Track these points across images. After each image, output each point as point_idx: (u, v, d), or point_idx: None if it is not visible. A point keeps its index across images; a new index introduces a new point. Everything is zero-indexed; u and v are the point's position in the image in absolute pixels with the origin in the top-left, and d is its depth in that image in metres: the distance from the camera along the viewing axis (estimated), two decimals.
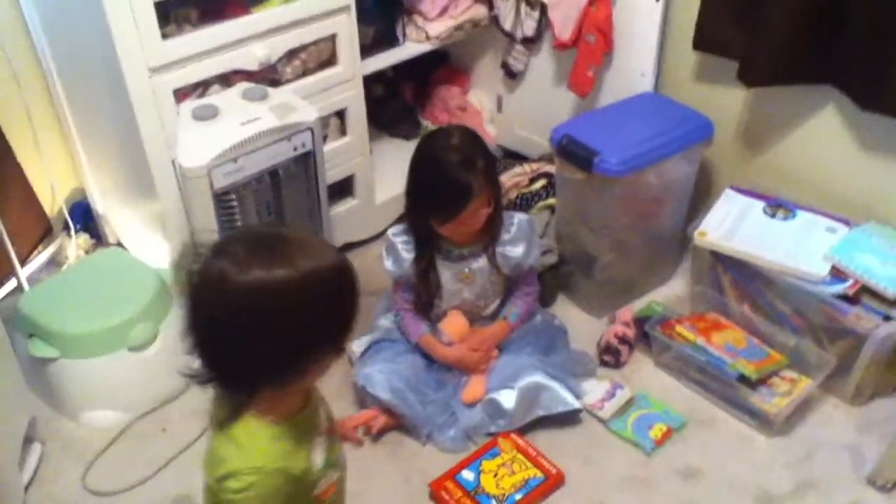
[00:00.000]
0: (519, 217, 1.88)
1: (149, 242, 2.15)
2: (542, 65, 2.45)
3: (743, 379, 1.83)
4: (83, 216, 2.40)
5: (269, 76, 2.01)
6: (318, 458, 1.15)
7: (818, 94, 1.93)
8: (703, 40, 2.03)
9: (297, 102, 1.91)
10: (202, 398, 1.94)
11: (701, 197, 2.20)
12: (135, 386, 1.93)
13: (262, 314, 0.98)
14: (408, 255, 1.84)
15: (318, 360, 1.06)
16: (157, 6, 1.73)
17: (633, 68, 2.20)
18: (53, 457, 1.86)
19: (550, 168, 2.32)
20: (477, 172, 1.71)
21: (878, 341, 1.77)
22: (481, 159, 1.73)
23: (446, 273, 1.86)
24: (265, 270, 0.97)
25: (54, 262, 2.38)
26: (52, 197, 2.35)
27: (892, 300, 1.79)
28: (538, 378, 1.81)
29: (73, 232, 2.36)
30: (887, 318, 1.80)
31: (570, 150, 1.96)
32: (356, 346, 1.96)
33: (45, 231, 2.38)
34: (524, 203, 2.29)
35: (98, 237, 2.41)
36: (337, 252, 1.07)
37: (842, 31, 1.77)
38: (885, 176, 1.94)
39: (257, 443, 1.06)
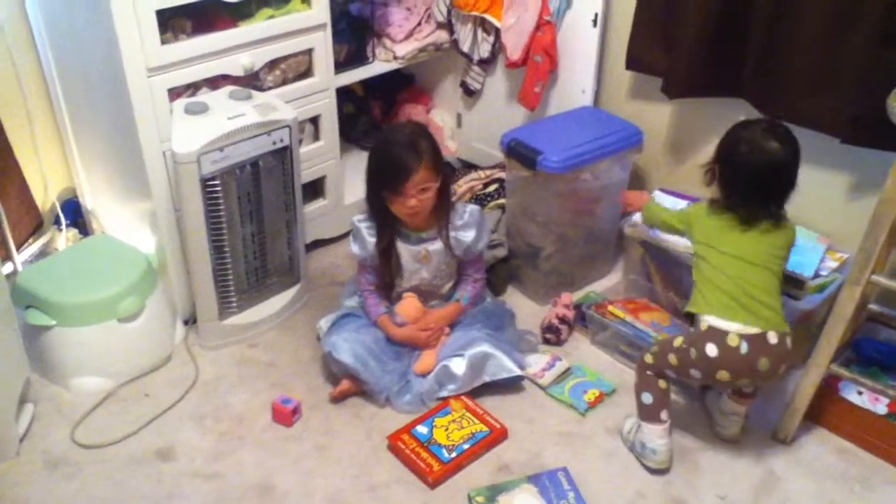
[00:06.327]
0: (471, 207, 2.14)
1: (135, 235, 2.35)
2: (496, 83, 2.75)
3: None
4: (72, 213, 2.60)
5: (252, 83, 2.26)
6: None
7: (731, 106, 2.23)
8: (633, 61, 2.34)
9: (278, 103, 2.15)
10: (183, 369, 2.18)
11: None
12: (122, 354, 2.12)
13: None
14: (371, 237, 2.08)
15: None
16: (157, 15, 1.97)
17: (576, 85, 2.50)
18: (44, 416, 2.03)
19: (502, 174, 2.59)
20: (419, 151, 1.96)
21: None
22: (425, 142, 1.99)
23: (406, 254, 2.10)
24: None
25: (44, 255, 2.55)
26: (45, 193, 2.55)
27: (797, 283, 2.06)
28: (486, 348, 2.05)
29: (63, 226, 2.55)
30: (794, 298, 2.07)
31: (518, 151, 2.23)
32: (323, 322, 2.18)
33: (36, 225, 2.56)
34: (478, 203, 2.55)
35: (86, 232, 2.60)
36: None
37: (743, 51, 2.08)
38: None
39: None
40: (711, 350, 1.72)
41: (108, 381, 2.12)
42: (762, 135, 1.74)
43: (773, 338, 1.72)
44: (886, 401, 1.96)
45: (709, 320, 1.75)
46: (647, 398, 1.84)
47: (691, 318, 1.86)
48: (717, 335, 1.73)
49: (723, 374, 1.73)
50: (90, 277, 2.11)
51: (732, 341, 1.71)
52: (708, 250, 1.81)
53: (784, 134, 1.75)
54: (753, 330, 1.71)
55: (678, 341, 1.81)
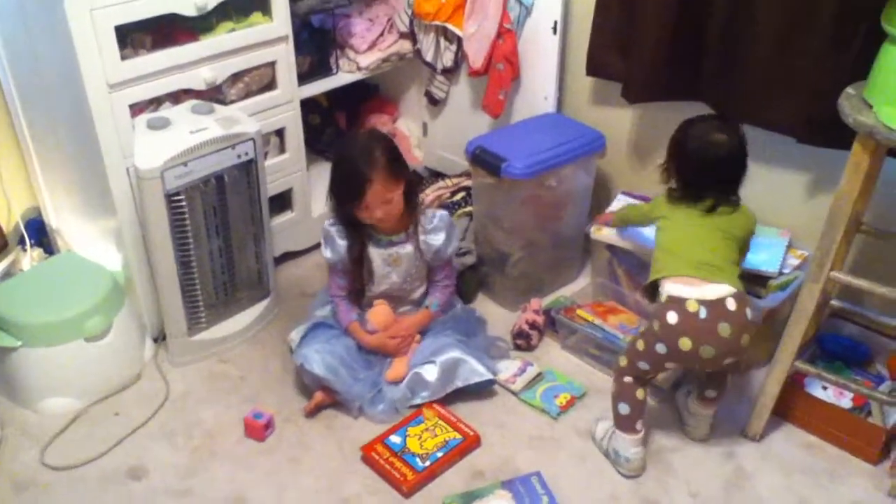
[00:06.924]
0: (441, 212, 2.16)
1: (101, 252, 2.32)
2: (461, 92, 2.76)
3: None
4: (37, 232, 2.57)
5: (215, 97, 2.24)
6: None
7: (691, 109, 2.23)
8: (594, 67, 2.36)
9: (241, 116, 2.15)
10: (153, 386, 2.16)
11: (599, 205, 2.50)
12: (90, 374, 2.10)
13: None
14: (342, 241, 2.08)
15: None
16: (116, 30, 1.96)
17: (538, 92, 2.52)
18: (12, 439, 2.01)
19: (468, 182, 2.60)
20: (374, 161, 1.95)
21: None
22: (379, 151, 1.98)
23: (377, 258, 2.11)
24: None
25: (9, 275, 2.51)
26: (9, 213, 2.52)
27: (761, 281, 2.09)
28: (457, 353, 2.06)
29: (28, 246, 2.51)
30: (757, 296, 2.10)
31: (482, 158, 2.25)
32: (294, 334, 2.17)
33: (0, 246, 2.54)
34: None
35: (51, 251, 2.57)
36: None
37: (701, 56, 2.12)
38: (752, 177, 2.26)
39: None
40: (672, 317, 1.75)
41: (77, 401, 2.09)
42: (708, 129, 1.86)
43: (731, 304, 1.74)
44: (851, 395, 2.00)
45: (668, 289, 1.78)
46: (624, 409, 1.86)
47: (652, 297, 1.89)
48: (677, 302, 1.76)
49: (685, 342, 1.74)
50: (55, 297, 2.08)
51: (691, 307, 1.73)
52: (669, 223, 1.90)
53: (729, 126, 1.87)
54: (711, 296, 1.74)
55: (642, 328, 1.85)
